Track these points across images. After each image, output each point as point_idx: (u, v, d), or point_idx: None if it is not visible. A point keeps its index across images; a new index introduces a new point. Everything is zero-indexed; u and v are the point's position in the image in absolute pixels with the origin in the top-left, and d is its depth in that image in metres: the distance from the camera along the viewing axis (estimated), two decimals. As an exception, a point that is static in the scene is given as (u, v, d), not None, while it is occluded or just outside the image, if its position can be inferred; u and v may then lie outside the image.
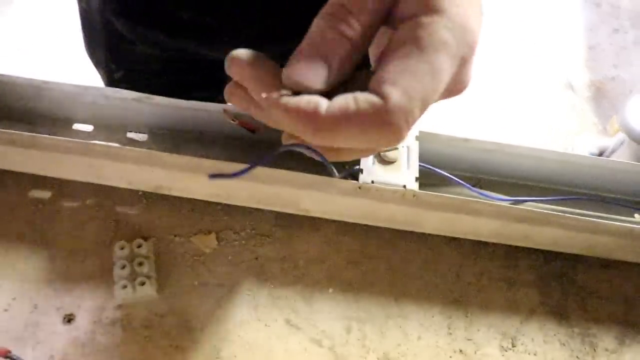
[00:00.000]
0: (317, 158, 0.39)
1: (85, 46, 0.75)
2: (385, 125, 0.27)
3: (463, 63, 0.30)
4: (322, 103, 0.28)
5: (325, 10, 0.29)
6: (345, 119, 0.27)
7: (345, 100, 0.28)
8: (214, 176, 0.35)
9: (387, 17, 0.31)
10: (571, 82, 1.91)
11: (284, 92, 0.29)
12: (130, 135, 0.50)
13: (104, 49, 0.73)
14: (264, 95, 0.29)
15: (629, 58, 1.97)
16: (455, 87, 0.31)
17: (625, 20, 2.07)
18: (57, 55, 1.67)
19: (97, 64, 0.79)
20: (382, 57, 0.29)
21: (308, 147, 0.37)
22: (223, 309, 0.44)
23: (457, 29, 0.29)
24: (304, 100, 0.28)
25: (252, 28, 0.57)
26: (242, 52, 0.31)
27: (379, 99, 0.27)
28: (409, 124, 0.28)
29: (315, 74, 0.29)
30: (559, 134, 1.78)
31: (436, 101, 0.32)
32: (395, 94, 0.27)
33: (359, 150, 0.35)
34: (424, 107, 0.28)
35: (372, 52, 0.33)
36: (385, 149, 0.30)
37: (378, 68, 0.29)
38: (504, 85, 1.85)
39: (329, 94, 0.29)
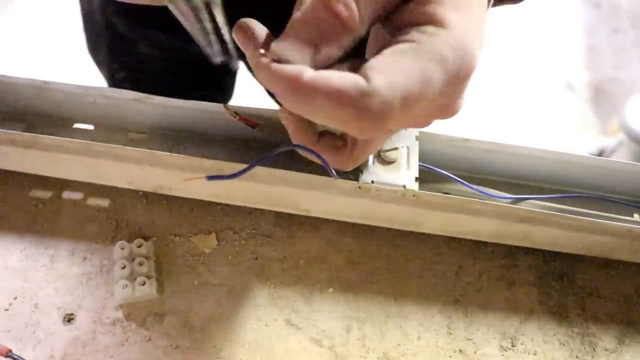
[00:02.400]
0: (315, 160, 0.39)
1: (88, 46, 0.75)
2: (361, 107, 0.27)
3: (457, 84, 0.29)
4: (307, 70, 0.28)
5: None
6: (325, 88, 0.27)
7: (331, 74, 0.28)
8: (212, 177, 0.35)
9: (390, 17, 0.30)
10: (571, 82, 1.91)
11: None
12: (131, 135, 0.50)
13: (105, 49, 0.73)
14: (255, 57, 0.29)
15: (628, 58, 1.98)
16: (446, 108, 0.31)
17: (624, 21, 2.08)
18: (57, 55, 1.67)
19: (99, 64, 0.79)
20: (378, 52, 0.29)
21: (307, 149, 0.37)
22: (223, 309, 0.44)
23: (459, 49, 0.28)
24: (290, 66, 0.28)
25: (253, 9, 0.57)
26: (248, 20, 0.31)
27: (362, 80, 0.27)
28: (384, 114, 0.28)
29: (300, 54, 0.29)
30: (559, 134, 1.79)
31: (425, 121, 0.32)
32: (378, 80, 0.27)
33: (327, 146, 0.36)
34: (404, 106, 0.28)
35: (369, 52, 0.33)
36: (359, 135, 0.30)
37: (371, 57, 0.29)
38: (504, 86, 1.85)
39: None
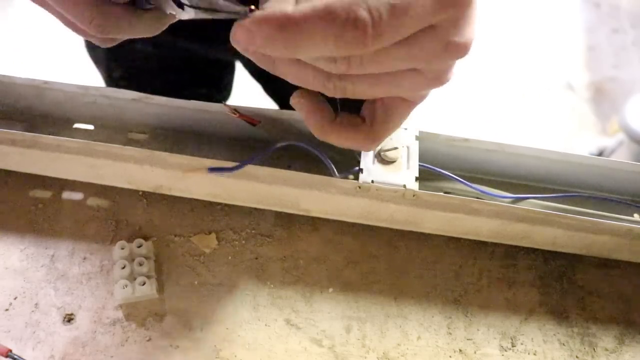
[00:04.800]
0: (317, 154, 0.39)
1: (85, 44, 0.75)
2: (351, 17, 0.27)
3: (456, 6, 0.28)
4: (289, 4, 0.27)
5: None
6: (312, 12, 0.27)
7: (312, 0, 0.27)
8: (214, 170, 0.35)
9: None
10: (571, 82, 1.91)
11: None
12: (131, 135, 0.50)
13: (103, 48, 0.73)
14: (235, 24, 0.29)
15: (628, 58, 1.98)
16: (455, 39, 0.30)
17: (624, 21, 2.08)
18: (57, 55, 1.67)
19: (96, 62, 0.79)
20: None
21: (308, 144, 0.36)
22: (223, 309, 0.44)
23: None
24: (269, 8, 0.28)
25: None
26: None
27: None
28: (375, 24, 0.27)
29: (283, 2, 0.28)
30: (559, 134, 1.79)
31: (438, 57, 0.30)
32: None
33: (346, 126, 0.34)
34: (393, 16, 0.27)
35: None
36: (348, 52, 0.29)
37: None
38: (504, 86, 1.85)
39: None
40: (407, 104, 0.35)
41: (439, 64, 0.31)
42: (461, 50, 0.30)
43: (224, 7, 0.30)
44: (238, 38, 0.29)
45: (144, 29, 0.35)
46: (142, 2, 0.33)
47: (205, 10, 0.30)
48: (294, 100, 0.36)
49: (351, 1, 0.27)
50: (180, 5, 0.31)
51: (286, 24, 0.27)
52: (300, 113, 0.36)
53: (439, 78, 0.32)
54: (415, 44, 0.29)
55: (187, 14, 0.31)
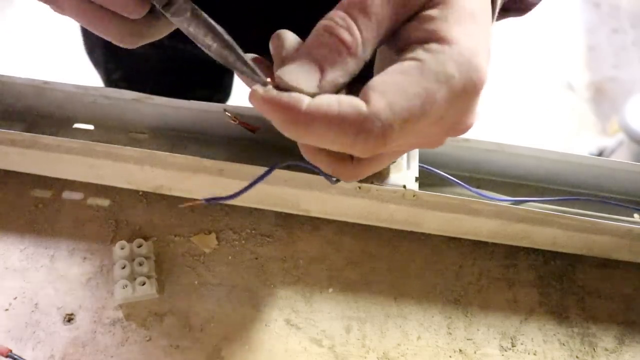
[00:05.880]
0: (317, 170, 0.39)
1: (84, 46, 0.75)
2: (361, 130, 0.27)
3: (465, 100, 0.29)
4: (305, 98, 0.27)
5: (329, 15, 0.29)
6: (324, 116, 0.27)
7: (329, 99, 0.27)
8: (210, 200, 0.35)
9: (393, 37, 0.30)
10: (571, 82, 1.91)
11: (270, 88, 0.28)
12: (131, 135, 0.50)
13: (102, 49, 0.73)
14: (252, 87, 0.29)
15: (628, 58, 1.98)
16: (456, 125, 0.31)
17: (624, 21, 2.08)
18: (57, 55, 1.67)
19: (95, 63, 0.79)
20: (382, 71, 0.29)
21: (307, 163, 0.36)
22: (223, 309, 0.44)
23: (465, 64, 0.28)
24: (286, 94, 0.28)
25: (250, 31, 0.57)
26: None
27: (362, 102, 0.27)
28: (385, 137, 0.27)
29: (306, 77, 0.28)
30: (558, 134, 1.79)
31: (437, 140, 0.32)
32: (379, 102, 0.27)
33: (332, 158, 0.35)
34: (404, 128, 0.28)
35: (376, 72, 0.32)
36: (361, 156, 0.30)
37: (373, 77, 0.28)
38: (504, 86, 1.85)
39: None
40: (398, 153, 0.36)
41: (438, 143, 0.33)
42: (462, 133, 0.31)
43: (241, 68, 0.30)
44: (252, 102, 0.29)
45: (158, 34, 0.36)
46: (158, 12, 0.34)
47: (226, 58, 0.31)
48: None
49: (365, 115, 0.27)
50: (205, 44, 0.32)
51: (296, 121, 0.27)
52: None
53: (435, 145, 0.33)
54: (421, 134, 0.30)
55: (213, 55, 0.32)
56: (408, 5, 0.29)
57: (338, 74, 0.28)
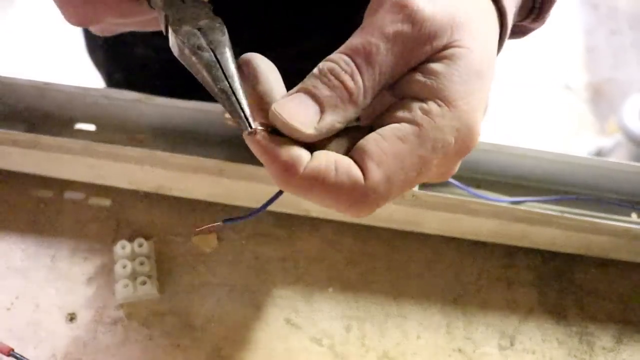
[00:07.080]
0: None
1: (86, 46, 0.75)
2: (358, 201, 0.27)
3: (456, 160, 0.30)
4: (303, 159, 0.27)
5: (334, 57, 0.28)
6: (320, 184, 0.27)
7: (326, 165, 0.27)
8: (228, 220, 0.34)
9: (396, 84, 0.29)
10: (569, 83, 1.91)
11: (261, 128, 0.27)
12: (131, 135, 0.50)
13: (103, 51, 0.73)
14: (245, 131, 0.28)
15: (626, 59, 1.98)
16: (442, 176, 0.31)
17: (623, 22, 2.08)
18: (59, 56, 1.67)
19: (96, 65, 0.79)
20: (378, 123, 0.28)
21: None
22: (223, 309, 0.45)
23: (462, 130, 0.28)
24: (285, 152, 0.27)
25: (250, 32, 0.58)
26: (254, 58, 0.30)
27: (359, 174, 0.27)
28: (378, 205, 0.28)
29: (305, 116, 0.27)
30: (557, 135, 1.79)
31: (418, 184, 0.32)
32: (377, 176, 0.27)
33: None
34: (399, 194, 0.28)
35: (372, 109, 0.31)
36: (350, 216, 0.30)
37: (371, 136, 0.28)
38: (504, 87, 1.85)
39: (314, 145, 0.28)
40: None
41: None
42: (446, 178, 0.32)
43: (233, 113, 0.29)
44: (247, 141, 0.29)
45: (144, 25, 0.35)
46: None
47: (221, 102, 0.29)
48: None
49: (362, 189, 0.27)
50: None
51: (291, 183, 0.27)
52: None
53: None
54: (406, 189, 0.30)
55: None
56: (413, 56, 0.28)
57: (336, 119, 0.28)
